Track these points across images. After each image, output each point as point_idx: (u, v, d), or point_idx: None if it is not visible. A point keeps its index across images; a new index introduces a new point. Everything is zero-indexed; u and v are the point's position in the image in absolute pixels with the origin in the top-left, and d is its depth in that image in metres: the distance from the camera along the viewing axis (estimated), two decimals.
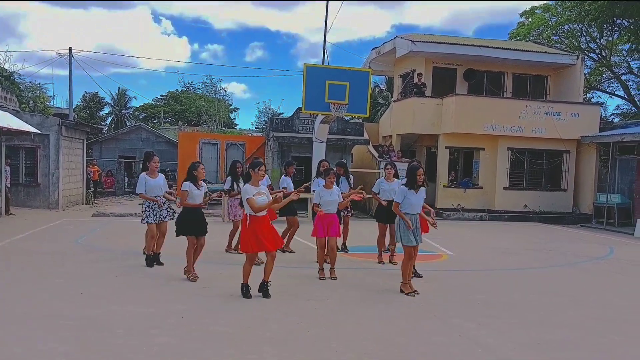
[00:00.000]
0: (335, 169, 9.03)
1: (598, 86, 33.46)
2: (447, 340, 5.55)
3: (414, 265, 8.18)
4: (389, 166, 9.61)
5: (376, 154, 20.21)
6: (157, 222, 8.66)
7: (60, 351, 4.83)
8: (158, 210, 8.63)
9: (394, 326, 6.00)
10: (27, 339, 5.10)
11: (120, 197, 24.61)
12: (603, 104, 33.95)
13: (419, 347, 5.32)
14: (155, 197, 8.62)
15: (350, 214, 10.59)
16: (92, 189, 22.19)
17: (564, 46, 29.29)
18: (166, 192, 8.80)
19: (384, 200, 9.34)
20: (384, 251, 9.74)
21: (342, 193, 9.83)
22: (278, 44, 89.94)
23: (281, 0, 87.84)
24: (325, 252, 8.22)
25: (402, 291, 7.37)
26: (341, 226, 9.22)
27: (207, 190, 7.95)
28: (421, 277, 8.44)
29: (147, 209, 8.64)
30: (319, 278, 8.13)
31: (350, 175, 10.77)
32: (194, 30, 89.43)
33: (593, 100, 32.59)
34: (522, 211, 19.52)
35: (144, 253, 8.96)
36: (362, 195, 9.36)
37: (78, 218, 15.66)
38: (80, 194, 20.07)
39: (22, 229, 12.60)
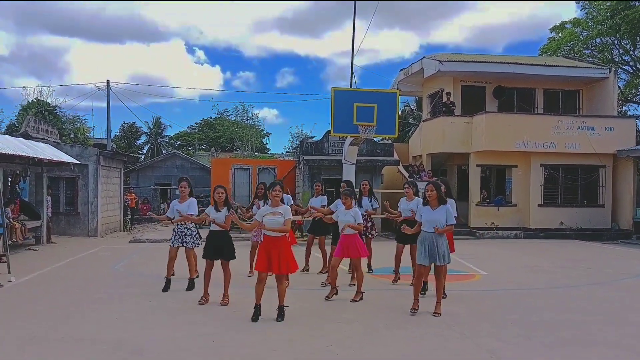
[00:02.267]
0: (348, 189, 8.83)
1: (633, 99, 32.69)
2: None
3: (443, 287, 8.13)
4: (406, 185, 9.59)
5: (406, 174, 20.17)
6: (176, 245, 8.83)
7: None
8: (181, 235, 8.81)
9: (423, 347, 5.96)
10: None
11: (156, 223, 25.10)
12: (639, 116, 33.10)
13: None
14: (173, 218, 8.82)
15: (372, 235, 10.55)
16: (130, 216, 22.73)
17: (596, 60, 28.83)
18: (188, 214, 8.78)
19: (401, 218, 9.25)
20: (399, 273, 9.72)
21: (366, 211, 9.90)
22: (308, 69, 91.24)
23: (308, 27, 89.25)
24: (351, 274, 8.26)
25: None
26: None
27: (228, 214, 7.91)
28: (444, 297, 8.33)
29: (172, 232, 8.92)
30: (325, 297, 8.13)
31: (363, 199, 10.50)
32: (226, 58, 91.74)
33: (629, 113, 31.86)
34: (559, 228, 19.09)
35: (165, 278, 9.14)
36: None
37: (115, 245, 16.07)
38: (118, 221, 20.60)
39: (63, 257, 13.00)
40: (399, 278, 9.72)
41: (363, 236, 10.01)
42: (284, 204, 7.37)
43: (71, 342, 5.96)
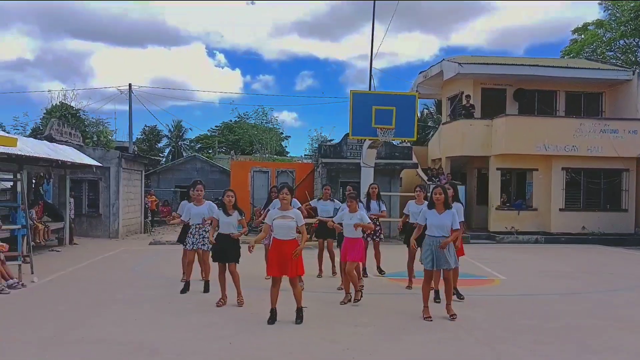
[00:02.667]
0: (353, 192, 8.79)
1: None
2: None
3: (455, 288, 8.13)
4: (418, 189, 9.56)
5: (425, 178, 20.07)
6: (194, 248, 8.93)
7: None
8: (200, 237, 8.89)
9: (440, 352, 5.93)
10: None
11: (176, 225, 25.33)
12: None
13: None
14: (196, 225, 8.91)
15: (380, 239, 10.55)
16: (150, 218, 22.99)
17: (619, 62, 28.36)
18: (208, 217, 8.88)
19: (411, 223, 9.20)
20: (413, 277, 9.65)
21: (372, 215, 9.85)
22: (327, 72, 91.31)
23: (327, 31, 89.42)
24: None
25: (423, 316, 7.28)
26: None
27: (240, 218, 7.93)
28: (463, 299, 8.32)
29: (188, 235, 9.01)
30: (341, 302, 8.09)
31: (371, 203, 10.40)
32: (246, 62, 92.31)
33: None
34: (580, 233, 18.79)
35: (182, 281, 9.34)
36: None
37: (136, 247, 16.28)
38: (139, 223, 20.86)
39: (84, 258, 13.21)
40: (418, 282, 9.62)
41: (370, 239, 10.05)
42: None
43: (91, 342, 6.06)
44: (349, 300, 8.14)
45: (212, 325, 6.90)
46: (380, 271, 10.69)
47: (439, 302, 8.12)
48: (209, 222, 8.63)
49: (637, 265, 13.68)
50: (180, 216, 9.42)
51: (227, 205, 7.83)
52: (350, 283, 8.15)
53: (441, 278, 7.41)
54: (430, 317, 7.21)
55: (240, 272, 8.05)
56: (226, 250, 7.85)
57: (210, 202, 9.17)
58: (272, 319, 6.90)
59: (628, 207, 19.27)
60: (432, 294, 8.02)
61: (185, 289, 8.90)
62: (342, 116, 76.62)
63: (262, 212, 10.41)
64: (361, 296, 8.17)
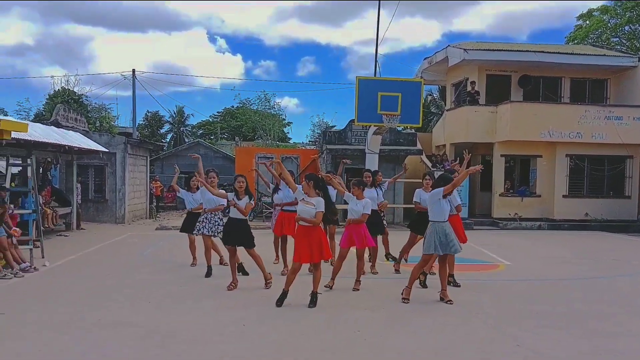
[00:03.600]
0: (357, 179, 8.67)
1: None
2: (505, 350, 5.55)
3: (452, 275, 8.36)
4: (427, 176, 9.61)
5: (429, 164, 20.13)
6: (210, 234, 9.12)
7: (130, 357, 5.20)
8: (215, 224, 9.09)
9: (449, 335, 6.05)
10: (99, 345, 5.50)
11: (180, 211, 25.49)
12: None
13: (475, 356, 5.36)
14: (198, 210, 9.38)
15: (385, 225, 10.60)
16: (155, 203, 23.12)
17: (624, 48, 28.26)
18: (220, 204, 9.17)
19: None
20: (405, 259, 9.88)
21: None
22: (328, 58, 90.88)
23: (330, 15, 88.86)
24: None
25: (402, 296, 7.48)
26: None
27: (249, 202, 8.00)
28: (459, 286, 8.40)
29: (202, 220, 9.22)
30: (325, 285, 7.98)
31: (383, 185, 10.33)
32: (247, 47, 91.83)
33: None
34: (583, 220, 18.90)
35: (219, 264, 9.76)
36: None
37: (143, 232, 16.42)
38: (144, 209, 21.00)
39: (93, 243, 13.35)
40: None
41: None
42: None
43: (107, 325, 6.19)
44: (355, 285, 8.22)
45: (225, 308, 7.03)
46: (391, 257, 10.66)
47: (426, 288, 8.27)
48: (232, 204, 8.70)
49: None
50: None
51: (239, 191, 7.96)
52: (339, 269, 8.20)
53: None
54: (408, 299, 7.41)
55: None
56: (238, 234, 7.98)
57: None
58: (281, 300, 7.02)
59: (631, 194, 19.35)
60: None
61: (209, 273, 9.09)
62: (343, 102, 76.66)
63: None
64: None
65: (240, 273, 8.87)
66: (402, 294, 7.52)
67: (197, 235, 9.36)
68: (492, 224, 18.82)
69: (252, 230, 8.19)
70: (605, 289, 8.88)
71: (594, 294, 8.38)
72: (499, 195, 19.24)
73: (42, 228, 12.09)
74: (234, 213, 8.00)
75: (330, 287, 8.12)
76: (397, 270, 9.69)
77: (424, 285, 8.35)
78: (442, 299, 7.46)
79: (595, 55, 21.06)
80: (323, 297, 7.32)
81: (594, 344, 5.82)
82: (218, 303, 7.32)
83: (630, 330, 6.38)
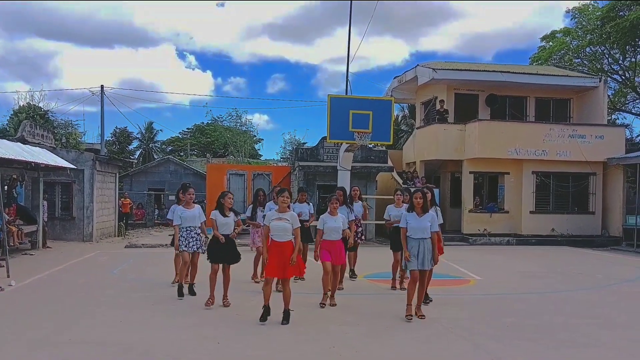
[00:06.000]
0: (335, 195, 8.79)
1: (623, 107, 33.21)
2: None
3: (425, 290, 8.19)
4: (398, 192, 9.73)
5: (400, 181, 20.37)
6: (189, 251, 8.83)
7: None
8: (192, 240, 8.85)
9: (425, 350, 6.12)
10: None
11: (150, 228, 25.15)
12: (629, 125, 33.63)
13: None
14: (189, 227, 8.80)
15: (361, 240, 10.74)
16: (124, 221, 22.73)
17: (586, 69, 29.30)
18: (202, 222, 8.98)
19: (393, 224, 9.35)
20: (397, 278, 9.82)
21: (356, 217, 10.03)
22: (298, 75, 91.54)
23: (299, 34, 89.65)
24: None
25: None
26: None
27: (237, 219, 8.14)
28: (430, 301, 8.36)
29: (180, 237, 8.83)
30: (320, 303, 8.04)
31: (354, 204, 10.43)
32: (216, 64, 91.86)
33: (618, 121, 32.35)
34: (550, 235, 19.36)
35: (173, 284, 9.36)
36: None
37: (111, 250, 16.10)
38: (113, 227, 20.61)
39: (60, 261, 13.03)
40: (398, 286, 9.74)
41: (356, 240, 10.16)
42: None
43: (80, 344, 6.06)
44: (329, 301, 8.20)
45: (199, 325, 6.95)
46: (352, 274, 10.65)
47: (428, 303, 8.28)
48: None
49: (605, 265, 14.18)
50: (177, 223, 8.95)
51: (226, 207, 8.00)
52: (329, 283, 8.16)
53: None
54: (411, 315, 7.40)
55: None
56: (225, 251, 7.96)
57: (198, 205, 9.21)
58: (265, 316, 6.99)
59: (595, 210, 19.92)
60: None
61: (181, 293, 8.65)
62: (312, 119, 76.80)
63: (249, 220, 10.44)
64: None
65: (190, 293, 8.74)
66: (405, 314, 7.40)
67: (188, 251, 8.81)
68: (462, 240, 19.09)
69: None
70: (572, 301, 9.11)
71: (562, 307, 8.57)
72: (469, 211, 19.57)
73: (7, 247, 11.77)
74: (222, 230, 7.99)
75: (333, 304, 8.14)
76: (394, 287, 9.69)
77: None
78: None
79: (559, 75, 21.78)
80: (298, 313, 7.30)
81: (564, 354, 5.96)
82: (192, 320, 7.23)
83: (597, 340, 6.56)
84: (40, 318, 7.30)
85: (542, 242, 18.97)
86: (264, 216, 8.95)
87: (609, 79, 27.33)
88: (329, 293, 8.17)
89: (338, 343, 6.22)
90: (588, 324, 7.39)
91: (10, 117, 32.23)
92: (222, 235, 7.97)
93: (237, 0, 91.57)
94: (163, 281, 10.07)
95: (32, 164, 13.82)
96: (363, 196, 11.28)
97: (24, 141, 16.17)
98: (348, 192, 10.49)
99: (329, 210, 8.27)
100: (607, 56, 30.64)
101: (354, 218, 9.88)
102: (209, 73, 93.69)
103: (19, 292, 9.20)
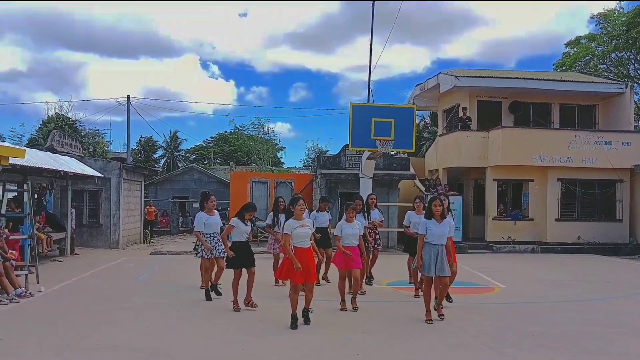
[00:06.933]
0: (354, 203, 9.25)
1: None
2: None
3: (448, 293, 8.43)
4: (417, 200, 9.80)
5: (423, 188, 20.30)
6: (208, 257, 9.15)
7: None
8: (216, 245, 9.14)
9: (448, 357, 6.10)
10: None
11: (175, 235, 25.46)
12: None
13: None
14: (213, 233, 9.18)
15: (379, 247, 10.91)
16: (149, 228, 23.07)
17: (612, 75, 28.86)
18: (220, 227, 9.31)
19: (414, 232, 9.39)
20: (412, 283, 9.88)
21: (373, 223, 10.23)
22: (320, 84, 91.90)
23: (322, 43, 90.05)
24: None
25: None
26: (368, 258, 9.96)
27: (252, 227, 8.48)
28: (451, 301, 8.64)
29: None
30: (340, 309, 8.23)
31: (371, 212, 10.68)
32: (239, 73, 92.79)
33: None
34: (576, 243, 19.06)
35: (201, 288, 9.51)
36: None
37: (137, 257, 16.36)
38: (138, 234, 20.94)
39: (87, 268, 13.30)
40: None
41: (371, 248, 10.32)
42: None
43: (107, 349, 6.19)
44: (351, 305, 8.34)
45: (224, 331, 7.06)
46: (369, 279, 10.71)
47: (451, 303, 8.51)
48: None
49: (633, 273, 13.92)
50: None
51: (247, 217, 8.42)
52: (350, 289, 8.49)
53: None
54: (431, 320, 7.53)
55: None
56: (244, 256, 8.25)
57: (217, 212, 9.45)
58: (294, 324, 7.12)
59: (622, 217, 19.56)
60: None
61: (209, 296, 9.05)
62: (335, 127, 77.32)
63: (271, 228, 10.67)
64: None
65: (214, 293, 9.11)
66: (425, 319, 7.57)
67: (216, 255, 9.17)
68: (486, 247, 18.92)
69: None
70: (599, 310, 8.98)
71: (589, 316, 8.45)
72: (492, 219, 19.39)
73: (37, 253, 12.06)
74: (241, 237, 8.33)
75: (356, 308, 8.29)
76: (417, 295, 9.64)
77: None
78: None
79: (583, 82, 21.52)
80: (321, 319, 7.36)
81: None
82: (217, 326, 7.34)
83: (623, 350, 6.46)
84: (67, 323, 7.47)
85: (567, 250, 18.68)
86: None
87: (635, 84, 26.81)
88: (351, 297, 8.37)
89: (362, 350, 6.25)
90: (616, 333, 7.28)
91: (39, 127, 33.15)
92: (241, 241, 8.30)
93: (259, 11, 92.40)
94: (188, 287, 10.23)
95: (61, 172, 14.14)
96: (385, 204, 11.42)
97: (53, 150, 16.59)
98: (365, 200, 10.63)
99: (345, 217, 8.62)
100: (633, 62, 30.17)
101: (369, 225, 10.24)
102: (231, 82, 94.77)
103: (48, 298, 9.43)
